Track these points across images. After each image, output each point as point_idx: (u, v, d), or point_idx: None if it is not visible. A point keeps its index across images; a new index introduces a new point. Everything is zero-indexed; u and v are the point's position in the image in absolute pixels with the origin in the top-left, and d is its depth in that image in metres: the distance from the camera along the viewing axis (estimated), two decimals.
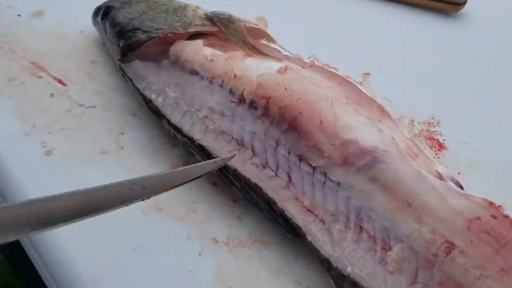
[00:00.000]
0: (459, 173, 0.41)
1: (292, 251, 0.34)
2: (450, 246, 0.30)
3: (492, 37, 0.58)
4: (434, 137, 0.45)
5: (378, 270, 0.30)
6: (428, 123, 0.46)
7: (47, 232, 0.34)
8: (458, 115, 0.47)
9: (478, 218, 0.32)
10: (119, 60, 0.44)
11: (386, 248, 0.31)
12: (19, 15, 0.56)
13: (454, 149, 0.44)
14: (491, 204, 0.32)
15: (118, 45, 0.45)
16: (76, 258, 0.33)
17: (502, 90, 0.51)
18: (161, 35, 0.43)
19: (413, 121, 0.46)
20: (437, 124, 0.46)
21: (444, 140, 0.45)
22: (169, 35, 0.43)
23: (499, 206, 0.33)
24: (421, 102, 0.48)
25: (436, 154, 0.43)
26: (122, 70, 0.44)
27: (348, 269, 0.30)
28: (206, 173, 0.31)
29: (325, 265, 0.31)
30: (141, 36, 0.43)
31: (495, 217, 0.32)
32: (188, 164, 0.40)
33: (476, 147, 0.44)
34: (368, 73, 0.52)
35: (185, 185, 0.39)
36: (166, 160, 0.41)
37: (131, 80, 0.43)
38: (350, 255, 0.31)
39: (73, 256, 0.33)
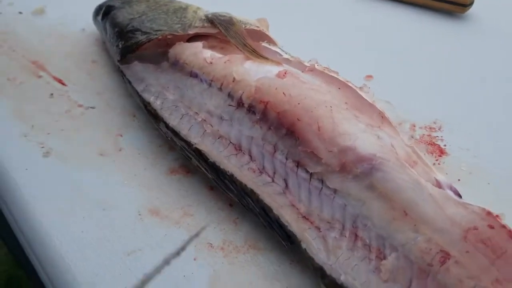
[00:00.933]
0: (459, 180, 0.41)
1: (287, 258, 0.34)
2: (445, 256, 0.30)
3: (498, 39, 0.58)
4: (435, 143, 0.44)
5: (372, 279, 0.30)
6: (430, 128, 0.46)
7: (43, 234, 0.34)
8: (461, 120, 0.47)
9: (475, 228, 0.31)
10: (118, 61, 0.44)
11: (381, 256, 0.31)
12: (20, 12, 0.56)
13: (456, 155, 0.43)
14: (489, 213, 0.32)
15: (118, 46, 0.44)
16: (71, 260, 0.33)
17: (508, 94, 0.50)
18: (160, 37, 0.42)
19: (414, 126, 0.46)
20: (439, 129, 0.46)
21: (445, 145, 0.44)
22: (169, 36, 0.43)
23: (497, 215, 0.33)
24: (424, 106, 0.48)
25: (437, 160, 0.43)
26: (121, 71, 0.44)
27: (342, 278, 0.30)
28: None
29: (319, 273, 0.31)
30: (140, 37, 0.43)
31: (492, 227, 0.31)
32: (185, 168, 0.41)
33: (478, 153, 0.44)
34: (371, 76, 0.52)
35: (182, 188, 0.39)
36: (163, 163, 0.41)
37: (129, 82, 0.43)
38: (344, 264, 0.31)
39: (68, 257, 0.33)
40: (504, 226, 0.31)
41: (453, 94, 0.50)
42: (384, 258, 0.31)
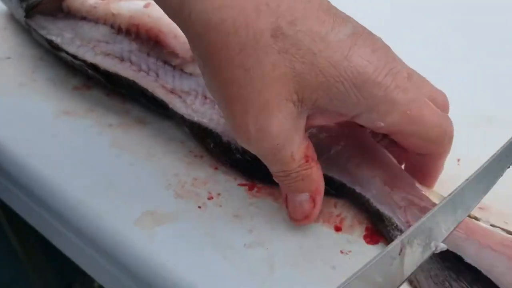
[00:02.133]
0: None
1: (166, 124, 0.50)
2: None
3: None
4: None
5: (215, 116, 0.45)
6: None
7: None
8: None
9: None
10: (24, 17, 0.57)
11: None
12: None
13: None
14: None
15: (22, 7, 0.57)
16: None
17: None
18: None
19: None
20: None
21: None
22: None
23: None
24: None
25: None
26: (28, 24, 0.57)
27: (195, 118, 0.45)
28: None
29: (181, 121, 0.47)
30: None
31: None
32: (86, 85, 0.55)
33: None
34: None
35: (85, 98, 0.53)
36: (69, 84, 0.55)
37: (35, 30, 0.56)
38: (197, 111, 0.46)
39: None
40: None
41: None
42: None
